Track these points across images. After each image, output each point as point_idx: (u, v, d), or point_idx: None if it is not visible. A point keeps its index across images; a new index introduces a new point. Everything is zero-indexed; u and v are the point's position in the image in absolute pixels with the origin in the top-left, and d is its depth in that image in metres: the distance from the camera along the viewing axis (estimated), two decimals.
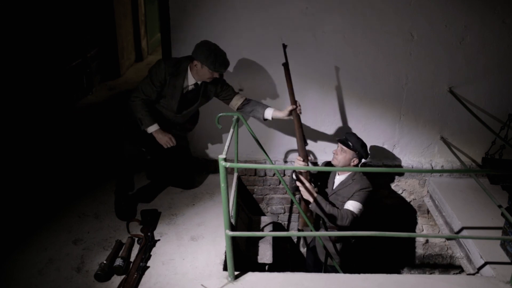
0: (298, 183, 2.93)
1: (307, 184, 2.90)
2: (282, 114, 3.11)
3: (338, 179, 3.11)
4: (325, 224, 3.05)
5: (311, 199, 2.88)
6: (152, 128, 3.06)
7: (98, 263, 2.65)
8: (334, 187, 3.10)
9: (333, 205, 2.93)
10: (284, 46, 3.04)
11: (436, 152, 4.01)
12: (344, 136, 3.06)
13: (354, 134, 3.08)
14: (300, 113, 3.05)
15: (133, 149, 3.09)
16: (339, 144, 3.04)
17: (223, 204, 2.28)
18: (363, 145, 3.03)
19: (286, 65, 3.05)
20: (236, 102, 3.24)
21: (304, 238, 3.43)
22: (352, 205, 2.90)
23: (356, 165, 3.04)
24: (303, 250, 4.31)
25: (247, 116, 3.37)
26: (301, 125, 3.00)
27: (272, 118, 3.19)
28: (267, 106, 3.22)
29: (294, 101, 3.04)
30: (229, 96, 3.25)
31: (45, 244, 2.84)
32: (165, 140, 3.09)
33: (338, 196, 3.04)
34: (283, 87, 3.67)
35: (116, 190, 3.21)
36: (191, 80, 3.09)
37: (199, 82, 3.12)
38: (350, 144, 2.99)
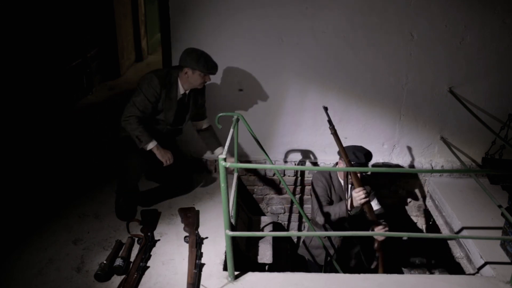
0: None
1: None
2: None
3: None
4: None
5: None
6: (152, 145, 3.04)
7: (98, 263, 2.65)
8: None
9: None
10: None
11: (436, 152, 4.01)
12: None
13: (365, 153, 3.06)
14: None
15: (140, 160, 3.08)
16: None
17: (223, 204, 2.28)
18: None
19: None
20: (202, 124, 3.42)
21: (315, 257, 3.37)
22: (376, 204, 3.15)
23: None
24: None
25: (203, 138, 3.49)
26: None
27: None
28: (220, 145, 3.39)
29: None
30: (202, 116, 3.40)
31: (45, 244, 2.83)
32: (167, 157, 3.09)
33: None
34: (283, 87, 3.69)
35: (117, 190, 3.21)
36: (181, 90, 3.12)
37: (187, 92, 3.16)
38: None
